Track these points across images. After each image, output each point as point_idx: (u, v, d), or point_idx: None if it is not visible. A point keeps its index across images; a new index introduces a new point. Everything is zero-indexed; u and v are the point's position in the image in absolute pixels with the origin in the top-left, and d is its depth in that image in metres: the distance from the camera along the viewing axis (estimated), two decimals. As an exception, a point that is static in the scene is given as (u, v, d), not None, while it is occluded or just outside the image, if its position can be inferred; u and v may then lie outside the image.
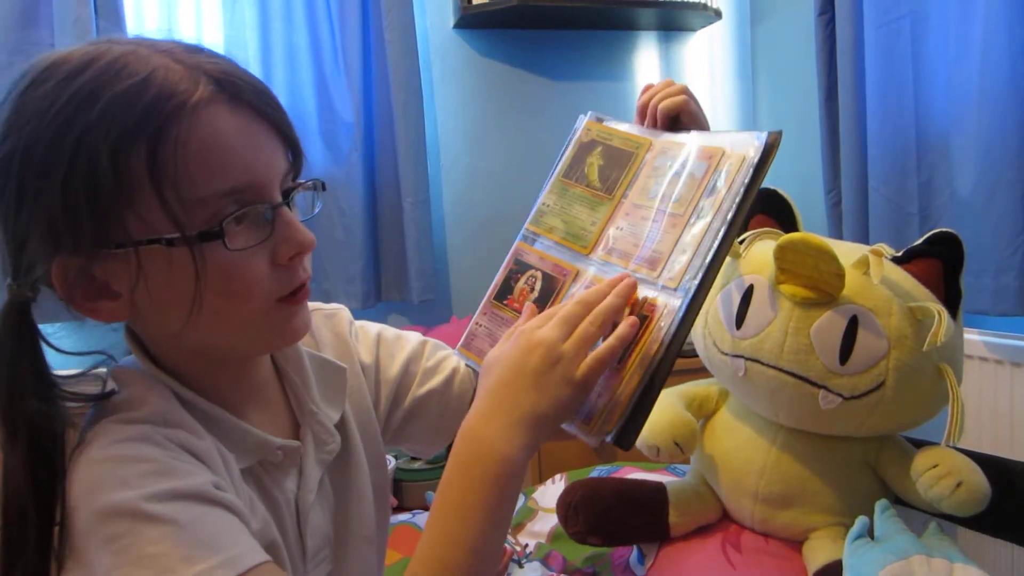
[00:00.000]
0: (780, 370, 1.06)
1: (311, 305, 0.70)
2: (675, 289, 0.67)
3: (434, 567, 0.61)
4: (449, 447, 0.70)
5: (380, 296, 2.28)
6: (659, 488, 1.20)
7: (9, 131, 0.58)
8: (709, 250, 0.67)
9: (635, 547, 1.22)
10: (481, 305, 0.84)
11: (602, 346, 0.66)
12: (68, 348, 0.63)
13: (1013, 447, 1.59)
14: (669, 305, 0.67)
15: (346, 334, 0.84)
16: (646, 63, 2.54)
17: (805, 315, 1.04)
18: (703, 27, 2.54)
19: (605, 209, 0.76)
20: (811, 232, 1.03)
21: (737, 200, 0.67)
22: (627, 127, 0.81)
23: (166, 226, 0.58)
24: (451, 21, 2.34)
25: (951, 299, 1.07)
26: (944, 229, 1.08)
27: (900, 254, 1.10)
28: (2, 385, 0.59)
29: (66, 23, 1.88)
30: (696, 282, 0.66)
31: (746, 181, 0.67)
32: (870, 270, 1.01)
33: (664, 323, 0.66)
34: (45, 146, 0.56)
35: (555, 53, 2.45)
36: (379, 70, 2.22)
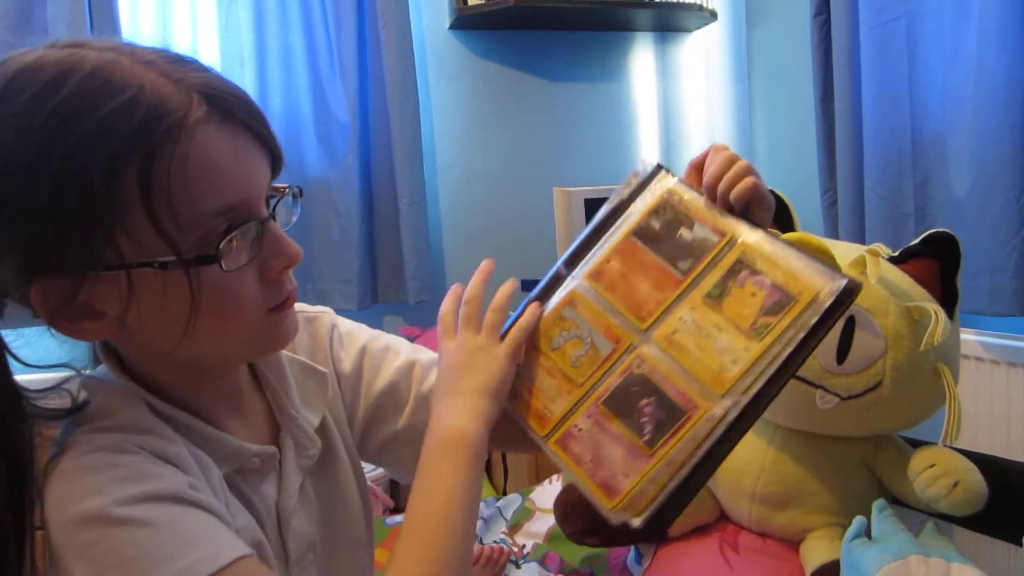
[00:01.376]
0: (777, 370, 1.06)
1: (295, 306, 0.70)
2: (721, 396, 0.67)
3: (420, 525, 0.63)
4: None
5: (376, 297, 2.28)
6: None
7: None
8: (763, 372, 0.66)
9: (632, 547, 1.22)
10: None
11: (515, 324, 0.76)
12: (29, 356, 0.61)
13: (1009, 447, 1.59)
14: (713, 410, 0.66)
15: (325, 339, 0.82)
16: (642, 64, 2.55)
17: (802, 315, 1.04)
18: (699, 28, 2.54)
19: (671, 291, 0.73)
20: (807, 232, 1.03)
21: (802, 335, 0.66)
22: (706, 206, 0.75)
23: (159, 248, 0.56)
24: (447, 22, 2.34)
25: (948, 299, 1.07)
26: (941, 229, 1.08)
27: (897, 254, 1.10)
28: None
29: (60, 25, 1.88)
30: (746, 399, 0.66)
31: (814, 321, 0.65)
32: (867, 270, 1.02)
33: (704, 426, 0.66)
34: (26, 166, 0.53)
35: (551, 54, 2.45)
36: (375, 71, 2.21)
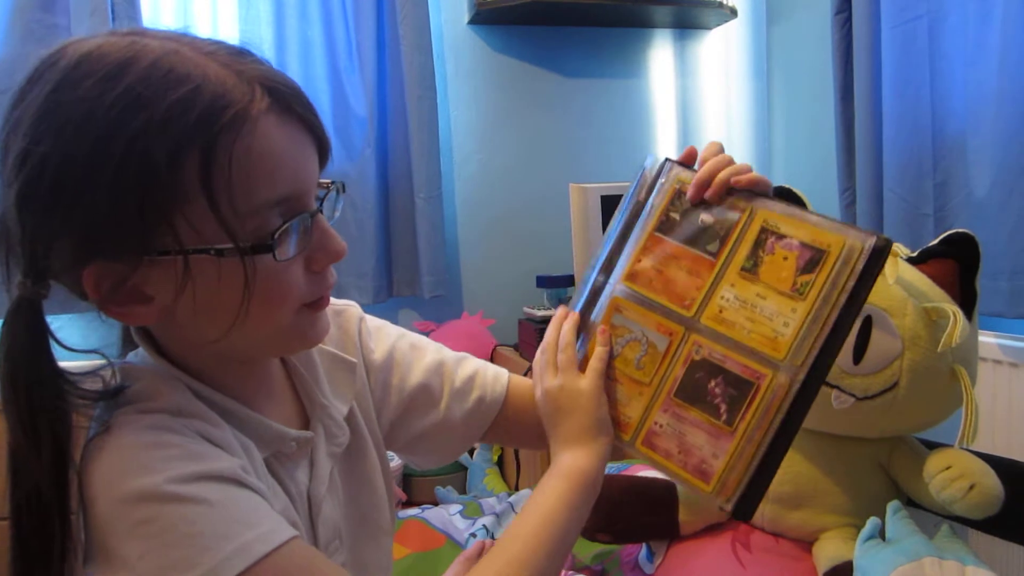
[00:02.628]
0: (792, 369, 1.06)
1: None
2: (783, 360, 0.69)
3: (511, 538, 0.67)
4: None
5: (392, 291, 2.29)
6: (669, 486, 1.20)
7: (43, 131, 0.55)
8: (820, 329, 0.68)
9: (644, 545, 1.21)
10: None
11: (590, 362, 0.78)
12: (68, 342, 0.62)
13: (1027, 450, 1.58)
14: (778, 379, 0.69)
15: (354, 331, 0.83)
16: (660, 61, 2.54)
17: (818, 314, 1.03)
18: (718, 25, 2.53)
19: (707, 274, 0.75)
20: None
21: (849, 291, 0.68)
22: None
23: (217, 236, 0.57)
24: (465, 17, 2.34)
25: (966, 300, 1.06)
26: (960, 230, 1.07)
27: (915, 254, 1.10)
28: (20, 385, 0.57)
29: (83, 13, 1.89)
30: (810, 359, 0.68)
31: (854, 279, 0.68)
32: (885, 270, 1.01)
33: (776, 391, 0.69)
34: (89, 150, 0.54)
35: (569, 50, 2.45)
36: (393, 66, 2.22)
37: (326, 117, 2.16)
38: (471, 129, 2.40)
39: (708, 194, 0.75)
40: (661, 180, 0.80)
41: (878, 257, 0.67)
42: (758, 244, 0.73)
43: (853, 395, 1.03)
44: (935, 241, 1.09)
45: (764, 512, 1.14)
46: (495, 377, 0.87)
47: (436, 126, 2.24)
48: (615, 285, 0.80)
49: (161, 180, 0.55)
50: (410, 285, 2.27)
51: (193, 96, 0.55)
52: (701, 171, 0.76)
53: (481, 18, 2.31)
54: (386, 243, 2.27)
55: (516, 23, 2.38)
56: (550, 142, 2.42)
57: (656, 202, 0.79)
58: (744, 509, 0.69)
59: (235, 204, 0.57)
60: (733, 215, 0.75)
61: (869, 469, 1.13)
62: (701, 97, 2.59)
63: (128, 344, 0.71)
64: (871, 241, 0.68)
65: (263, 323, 0.62)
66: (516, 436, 0.89)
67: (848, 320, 0.67)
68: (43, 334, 0.59)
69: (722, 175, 0.75)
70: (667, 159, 0.81)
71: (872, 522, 1.00)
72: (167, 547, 0.54)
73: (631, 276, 0.79)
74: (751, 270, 0.72)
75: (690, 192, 0.76)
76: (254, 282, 0.59)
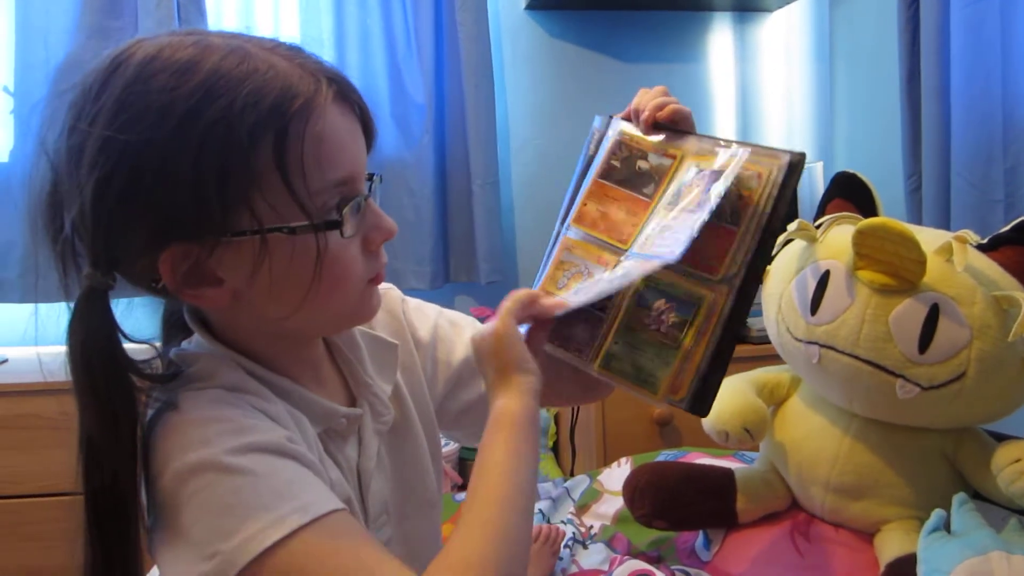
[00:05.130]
0: (856, 358, 1.04)
1: None
2: (719, 281, 0.77)
3: (478, 501, 0.65)
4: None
5: (448, 277, 2.30)
6: (727, 474, 1.19)
7: (123, 122, 0.58)
8: (747, 250, 0.76)
9: (701, 532, 1.21)
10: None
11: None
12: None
13: (1100, 444, 1.53)
14: (716, 295, 0.77)
15: (399, 311, 0.88)
16: (720, 44, 2.50)
17: (884, 302, 1.02)
18: (780, 7, 2.48)
19: (642, 213, 0.83)
20: (890, 217, 1.00)
21: (768, 209, 0.76)
22: (652, 138, 0.87)
23: (291, 214, 0.61)
24: (523, 3, 2.34)
25: (1039, 289, 1.03)
26: (1032, 216, 1.04)
27: (985, 241, 1.07)
28: (97, 373, 0.60)
29: (148, 4, 1.94)
30: (740, 277, 0.76)
31: (775, 191, 0.76)
32: (953, 257, 0.99)
33: (708, 311, 0.77)
34: (170, 136, 0.58)
35: (627, 35, 2.43)
36: (451, 53, 2.23)
37: (384, 104, 2.19)
38: (528, 115, 2.40)
39: (642, 121, 0.85)
40: (608, 134, 0.89)
41: (792, 172, 0.75)
42: (682, 181, 0.81)
43: (918, 384, 1.01)
44: (1006, 228, 1.06)
45: (825, 502, 1.13)
46: None
47: (493, 113, 2.24)
48: (567, 227, 0.88)
49: (240, 161, 0.59)
50: (467, 271, 2.29)
51: (265, 85, 0.60)
52: (631, 104, 0.86)
53: (538, 3, 2.31)
54: (443, 229, 2.29)
55: (573, 8, 2.37)
56: (607, 128, 2.41)
57: (602, 154, 0.89)
58: (698, 406, 0.77)
59: (307, 183, 0.61)
60: (667, 162, 0.84)
61: (934, 460, 1.11)
62: (762, 81, 2.54)
63: (167, 333, 0.75)
64: (786, 157, 0.76)
65: (330, 299, 0.66)
66: (563, 393, 0.89)
67: (773, 230, 0.76)
68: (113, 323, 0.62)
69: (661, 113, 0.83)
70: (611, 115, 0.91)
71: (937, 514, 0.99)
72: (213, 516, 0.57)
73: (578, 218, 0.87)
74: (674, 202, 0.80)
75: (641, 128, 0.86)
76: (325, 258, 0.62)
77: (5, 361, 1.93)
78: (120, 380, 0.61)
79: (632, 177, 0.85)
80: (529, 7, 2.34)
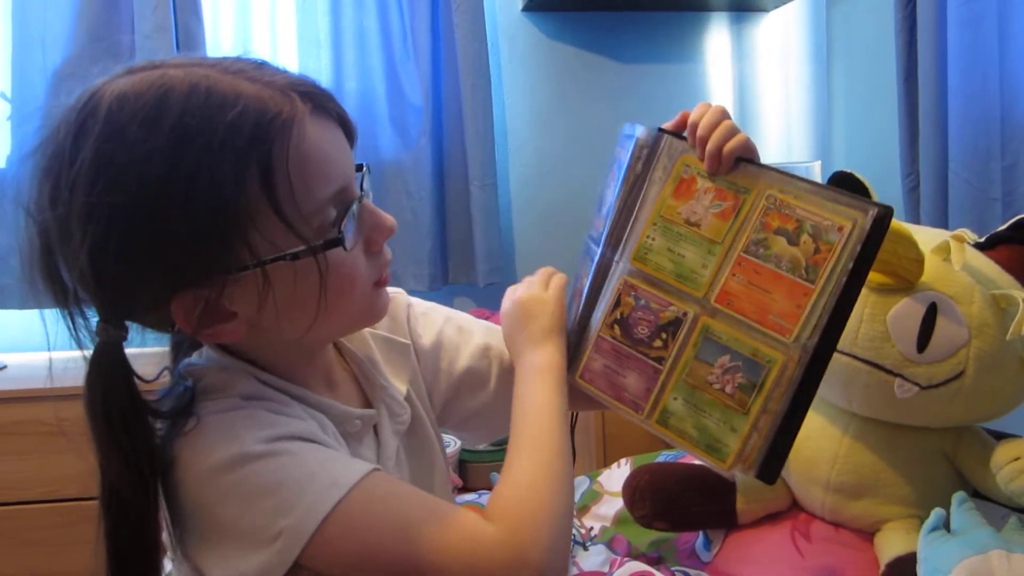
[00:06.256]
0: (854, 357, 1.04)
1: None
2: (792, 343, 0.71)
3: (524, 438, 0.71)
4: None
5: (447, 279, 2.30)
6: (727, 475, 1.19)
7: (103, 186, 0.57)
8: (824, 311, 0.69)
9: (701, 533, 1.21)
10: (594, 338, 0.82)
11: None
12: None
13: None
14: (788, 358, 0.71)
15: (403, 317, 0.87)
16: (717, 44, 2.50)
17: (881, 301, 1.02)
18: (777, 7, 2.48)
19: (716, 254, 0.76)
20: (889, 217, 1.00)
21: (850, 265, 0.69)
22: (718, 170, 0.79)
23: (288, 241, 0.60)
24: (519, 4, 2.34)
25: (1037, 287, 1.03)
26: (1030, 214, 1.04)
27: (983, 240, 1.07)
28: (115, 421, 0.60)
29: (145, 8, 1.94)
30: (814, 341, 0.70)
31: (858, 249, 0.69)
32: (951, 256, 0.99)
33: (778, 376, 0.71)
34: (155, 192, 0.57)
35: (624, 35, 2.43)
36: (448, 54, 2.23)
37: (381, 106, 2.19)
38: (526, 117, 2.40)
39: (720, 169, 0.76)
40: (659, 152, 0.81)
41: (879, 227, 0.68)
42: (762, 225, 0.74)
43: (917, 384, 1.01)
44: (1004, 226, 1.06)
45: (825, 501, 1.13)
46: None
47: (491, 114, 2.24)
48: (625, 264, 0.81)
49: (229, 200, 0.58)
50: (465, 273, 2.29)
51: (240, 115, 0.58)
52: (709, 145, 0.76)
53: (535, 5, 2.31)
54: (441, 231, 2.29)
55: (570, 9, 2.37)
56: (605, 129, 2.38)
57: (657, 176, 0.81)
58: (767, 475, 0.71)
59: (299, 207, 0.60)
60: (739, 192, 0.76)
61: (933, 459, 1.11)
62: (759, 81, 2.54)
63: (176, 347, 0.75)
64: (873, 212, 0.69)
65: (340, 311, 0.66)
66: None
67: (854, 291, 0.69)
68: (130, 371, 0.62)
69: (729, 146, 0.75)
70: (660, 129, 0.82)
71: (937, 513, 0.99)
72: (263, 498, 0.58)
73: (641, 256, 0.80)
74: (757, 251, 0.74)
75: (707, 165, 0.77)
76: (327, 276, 0.62)
77: (4, 368, 1.93)
78: (140, 427, 0.61)
79: (704, 211, 0.78)
80: (526, 8, 2.34)
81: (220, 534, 0.59)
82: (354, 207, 0.65)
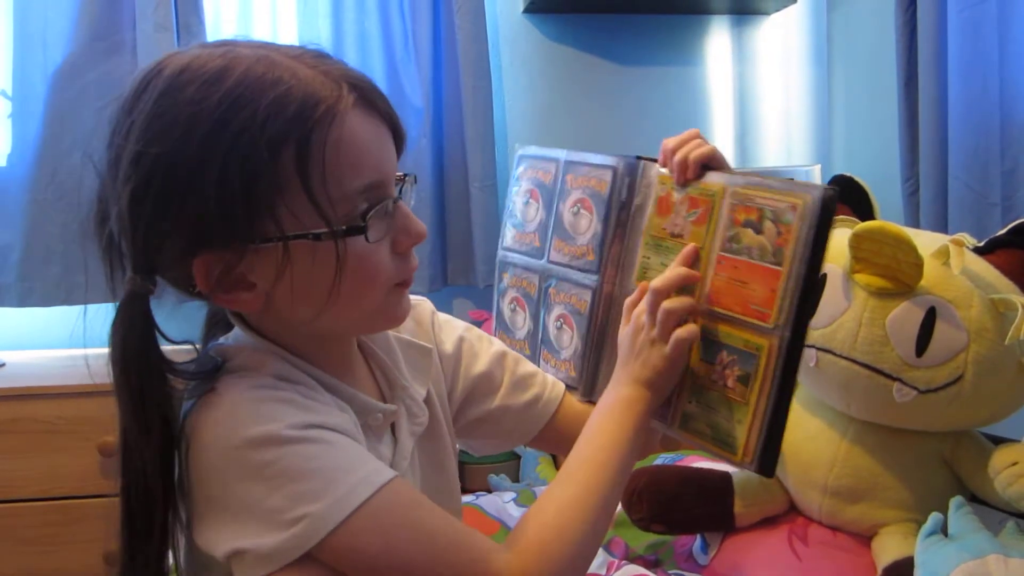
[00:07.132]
0: (853, 361, 1.04)
1: None
2: (772, 328, 0.74)
3: (576, 465, 0.75)
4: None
5: (446, 280, 2.30)
6: (724, 477, 1.19)
7: (153, 135, 0.61)
8: (796, 292, 0.73)
9: (699, 536, 1.21)
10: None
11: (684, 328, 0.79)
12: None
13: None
14: (772, 344, 0.74)
15: (428, 322, 0.89)
16: (718, 48, 2.50)
17: (880, 305, 1.02)
18: (778, 11, 2.49)
19: (702, 259, 0.81)
20: (887, 221, 1.01)
21: (810, 236, 0.73)
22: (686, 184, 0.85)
23: (314, 221, 0.62)
24: (521, 6, 2.34)
25: (1036, 292, 1.03)
26: (1030, 219, 1.05)
27: (982, 244, 1.07)
28: (132, 372, 0.62)
29: (146, 10, 1.94)
30: (790, 319, 0.73)
31: (814, 221, 0.73)
32: (950, 260, 0.99)
33: (767, 361, 0.75)
34: (197, 149, 0.60)
35: (625, 38, 2.43)
36: (449, 56, 2.23)
37: (382, 107, 2.19)
38: (526, 118, 2.40)
39: (688, 176, 0.83)
40: (639, 181, 0.89)
41: (826, 207, 0.72)
42: (732, 220, 0.79)
43: (916, 388, 1.02)
44: (1003, 231, 1.06)
45: (822, 505, 1.13)
46: (554, 383, 0.93)
47: (491, 115, 2.24)
48: (630, 287, 0.87)
49: (263, 171, 0.60)
50: (465, 274, 2.29)
51: (287, 95, 0.61)
52: (676, 156, 0.84)
53: (536, 7, 2.31)
54: (441, 232, 2.29)
55: (571, 11, 2.37)
56: (605, 131, 2.40)
57: (638, 202, 0.89)
58: (766, 467, 0.75)
59: (328, 191, 0.63)
60: (709, 197, 0.82)
61: (931, 463, 1.11)
62: (759, 84, 2.54)
63: (209, 331, 0.77)
64: (820, 189, 0.73)
65: (355, 303, 0.67)
66: (563, 448, 0.91)
67: (817, 262, 0.73)
68: (152, 326, 0.64)
69: (694, 154, 0.82)
70: (638, 157, 0.90)
71: (934, 517, 0.99)
72: (293, 482, 0.60)
73: (641, 276, 0.86)
74: (730, 246, 0.79)
75: (676, 176, 0.85)
76: (345, 263, 0.64)
77: (2, 365, 1.93)
78: (154, 379, 0.63)
79: (683, 221, 0.84)
80: (527, 10, 2.34)
81: (236, 509, 0.61)
82: (387, 205, 0.67)
